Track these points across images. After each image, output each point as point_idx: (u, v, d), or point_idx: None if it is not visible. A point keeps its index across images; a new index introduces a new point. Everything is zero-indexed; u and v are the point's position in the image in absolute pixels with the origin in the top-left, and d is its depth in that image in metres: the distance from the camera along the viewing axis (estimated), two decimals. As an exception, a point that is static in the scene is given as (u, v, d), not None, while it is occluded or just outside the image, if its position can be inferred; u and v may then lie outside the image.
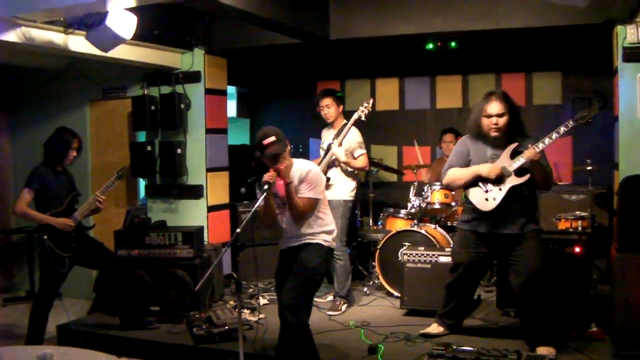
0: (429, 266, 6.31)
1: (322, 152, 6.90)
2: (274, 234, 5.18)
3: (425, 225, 7.21)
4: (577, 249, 5.64)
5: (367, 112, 6.58)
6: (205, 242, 7.21)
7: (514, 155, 4.99)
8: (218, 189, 7.75)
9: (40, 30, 5.71)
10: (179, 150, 7.48)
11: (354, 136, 6.64)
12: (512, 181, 4.98)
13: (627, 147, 6.06)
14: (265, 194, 4.59)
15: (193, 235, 6.70)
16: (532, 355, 4.72)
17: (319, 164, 6.72)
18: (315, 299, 6.43)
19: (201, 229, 7.11)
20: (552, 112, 8.40)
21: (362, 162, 6.64)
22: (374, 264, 7.29)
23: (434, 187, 7.38)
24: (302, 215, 4.75)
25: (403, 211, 7.57)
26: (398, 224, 7.45)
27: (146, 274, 6.57)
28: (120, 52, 6.26)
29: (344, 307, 6.63)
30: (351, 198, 6.73)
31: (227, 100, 8.11)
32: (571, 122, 4.85)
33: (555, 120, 8.04)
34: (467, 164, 5.23)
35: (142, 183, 8.12)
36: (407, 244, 6.70)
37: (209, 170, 7.58)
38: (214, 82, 7.66)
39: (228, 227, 7.87)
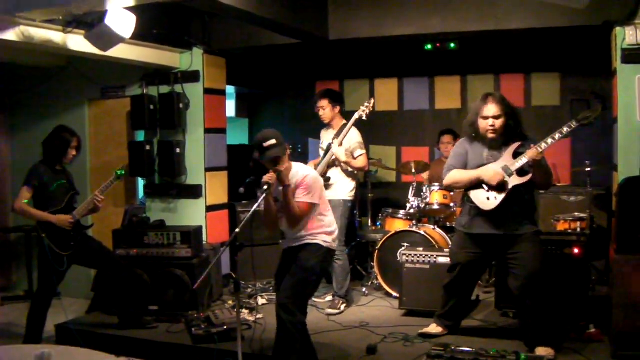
0: (427, 267, 6.31)
1: (321, 152, 6.91)
2: (273, 234, 5.20)
3: (424, 225, 7.22)
4: (576, 250, 5.64)
5: (368, 112, 6.59)
6: (204, 242, 7.21)
7: (516, 155, 4.99)
8: (217, 188, 7.74)
9: (39, 29, 5.70)
10: (177, 150, 7.47)
11: (354, 136, 6.65)
12: (514, 181, 4.98)
13: (626, 148, 6.06)
14: (264, 194, 4.61)
15: (192, 235, 6.70)
16: (530, 356, 4.72)
17: (319, 164, 6.74)
18: (314, 299, 6.48)
19: (200, 228, 7.11)
20: (550, 113, 8.40)
21: (361, 162, 6.65)
22: (372, 264, 7.30)
23: (432, 188, 7.38)
24: (297, 219, 4.78)
25: (402, 212, 7.57)
26: (397, 225, 7.45)
27: (145, 273, 6.56)
28: (119, 52, 6.25)
29: (342, 307, 6.63)
30: (351, 198, 6.74)
31: (226, 100, 8.11)
32: (574, 123, 4.85)
33: (553, 121, 8.10)
34: (466, 164, 5.24)
35: (140, 182, 8.11)
36: (405, 244, 6.71)
37: (207, 170, 7.57)
38: (213, 82, 7.65)
39: (227, 227, 7.87)
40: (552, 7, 6.14)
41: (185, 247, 6.65)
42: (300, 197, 4.76)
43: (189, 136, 7.57)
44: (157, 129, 7.63)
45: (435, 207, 7.38)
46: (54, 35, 5.86)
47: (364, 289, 7.30)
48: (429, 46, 8.16)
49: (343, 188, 6.68)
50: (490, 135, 5.06)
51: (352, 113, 6.70)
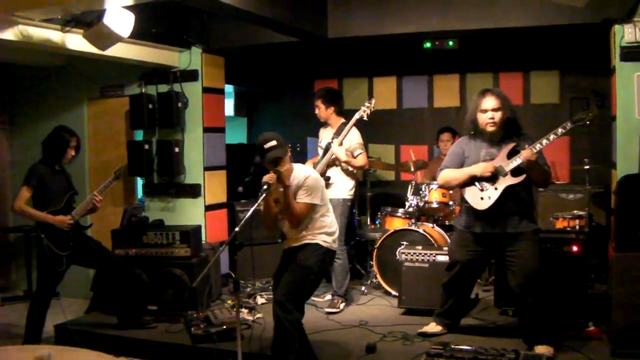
0: (426, 265, 6.31)
1: (319, 151, 6.91)
2: (271, 233, 5.21)
3: (423, 224, 7.23)
4: (575, 248, 5.64)
5: (369, 112, 6.58)
6: (203, 242, 7.20)
7: (511, 154, 4.99)
8: (216, 188, 7.74)
9: (38, 29, 5.68)
10: (176, 149, 7.46)
11: (354, 136, 6.66)
12: (508, 181, 4.98)
13: (625, 146, 6.06)
14: (264, 194, 4.62)
15: (190, 235, 6.69)
16: (530, 354, 4.71)
17: (318, 162, 6.74)
18: (313, 297, 6.48)
19: (199, 228, 7.10)
20: (549, 111, 8.40)
21: (361, 160, 6.66)
22: (371, 263, 7.30)
23: (431, 186, 7.37)
24: (298, 219, 4.80)
25: (401, 210, 7.57)
26: (396, 223, 7.45)
27: (143, 273, 6.55)
28: (117, 51, 6.25)
29: (342, 306, 6.63)
30: (350, 197, 6.75)
31: (225, 99, 8.10)
32: (569, 124, 4.85)
33: (552, 119, 8.11)
34: (462, 164, 5.24)
35: (139, 182, 8.11)
36: (404, 243, 6.72)
37: (206, 169, 7.56)
38: (212, 81, 7.65)
39: (226, 226, 7.86)
40: (551, 5, 6.15)
41: (184, 247, 6.64)
42: (302, 198, 4.79)
43: (188, 135, 7.56)
44: (156, 128, 7.62)
45: (434, 205, 7.37)
46: (52, 35, 5.85)
47: (363, 288, 7.30)
48: (428, 44, 8.15)
49: (342, 187, 6.68)
50: (490, 129, 5.06)
51: (351, 111, 6.69)
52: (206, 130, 7.54)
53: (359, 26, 7.06)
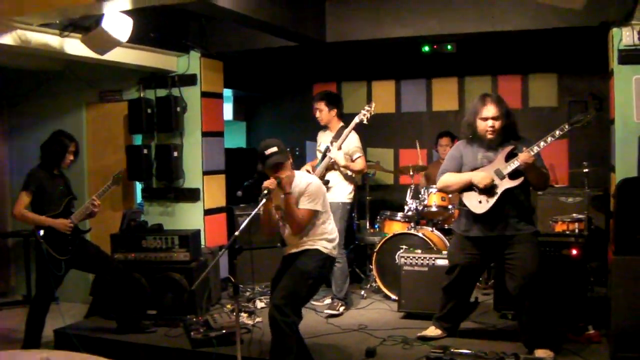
0: (426, 269, 6.30)
1: (318, 155, 6.91)
2: (271, 238, 5.21)
3: (423, 228, 7.22)
4: (574, 252, 5.65)
5: (369, 115, 6.58)
6: (202, 246, 7.20)
7: (509, 157, 5.00)
8: (215, 192, 7.73)
9: (36, 33, 5.69)
10: (175, 154, 7.46)
11: (353, 140, 6.66)
12: (506, 184, 4.98)
13: (623, 149, 6.06)
14: (264, 199, 4.63)
15: (190, 239, 6.69)
16: (529, 358, 4.73)
17: (316, 166, 6.74)
18: (312, 302, 6.48)
19: (198, 232, 7.09)
20: (548, 114, 8.41)
21: (360, 164, 6.66)
22: (371, 267, 7.29)
23: (430, 190, 7.37)
24: (300, 226, 4.82)
25: (400, 214, 7.57)
26: (395, 227, 7.45)
27: (143, 277, 6.55)
28: (116, 55, 6.25)
29: (341, 309, 6.63)
30: (349, 201, 6.75)
31: (224, 103, 8.10)
32: (567, 126, 4.85)
33: (551, 122, 8.06)
34: (461, 167, 5.24)
35: (138, 186, 8.10)
36: (404, 247, 6.70)
37: (205, 173, 7.56)
38: (210, 85, 7.65)
39: (225, 230, 7.85)
40: (549, 8, 6.15)
41: (183, 251, 6.64)
42: (304, 204, 4.80)
43: (187, 139, 7.55)
44: (155, 133, 7.62)
45: (434, 209, 7.37)
46: (50, 39, 5.85)
47: (362, 292, 7.29)
48: (426, 48, 8.16)
49: (342, 191, 6.68)
50: (489, 136, 5.06)
51: (350, 115, 6.69)
52: (205, 134, 7.54)
53: (358, 30, 7.07)
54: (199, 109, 7.50)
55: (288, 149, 5.02)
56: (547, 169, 5.14)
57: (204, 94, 7.54)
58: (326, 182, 6.57)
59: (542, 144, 4.86)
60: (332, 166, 6.66)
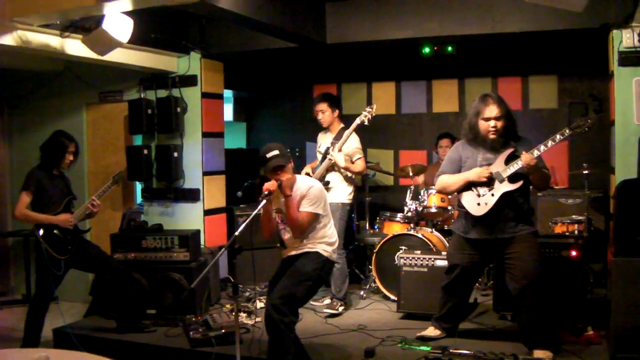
0: (425, 270, 6.31)
1: (318, 156, 6.92)
2: (269, 239, 5.22)
3: (422, 229, 7.23)
4: (574, 253, 5.64)
5: (370, 117, 6.59)
6: (202, 246, 7.20)
7: (509, 160, 4.99)
8: (215, 192, 7.74)
9: (37, 34, 5.70)
10: (175, 154, 7.47)
11: (353, 142, 6.66)
12: (505, 187, 4.98)
13: (623, 151, 6.07)
14: (264, 201, 4.63)
15: (189, 239, 6.69)
16: (528, 359, 4.73)
17: (316, 167, 6.75)
18: (312, 302, 6.48)
19: (198, 232, 7.10)
20: (548, 116, 8.42)
21: (360, 166, 6.67)
22: (370, 267, 7.30)
23: (430, 191, 7.38)
24: (301, 229, 4.83)
25: (400, 215, 7.57)
26: (394, 228, 7.45)
27: (142, 277, 6.55)
28: (116, 56, 6.26)
29: (340, 309, 6.63)
30: (349, 201, 6.76)
31: (224, 104, 8.11)
32: (567, 131, 4.83)
33: (551, 124, 8.14)
34: (459, 169, 5.24)
35: (138, 187, 8.11)
36: (403, 247, 6.71)
37: (205, 174, 7.57)
38: (211, 86, 7.66)
39: (225, 230, 7.86)
40: (550, 10, 6.15)
41: (183, 251, 6.65)
42: (305, 207, 4.81)
43: (187, 140, 7.57)
44: (155, 133, 7.64)
45: (433, 210, 7.38)
46: (51, 40, 5.86)
47: (361, 292, 7.29)
48: (427, 50, 8.16)
49: (341, 192, 6.69)
50: (492, 137, 5.05)
51: (350, 116, 6.70)
52: (205, 135, 7.55)
53: (358, 32, 7.08)
54: (199, 109, 7.52)
55: (288, 150, 5.02)
56: (548, 169, 5.14)
57: (205, 95, 7.55)
58: (326, 183, 6.58)
59: (542, 147, 4.85)
60: (333, 167, 6.67)
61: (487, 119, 5.02)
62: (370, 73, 9.33)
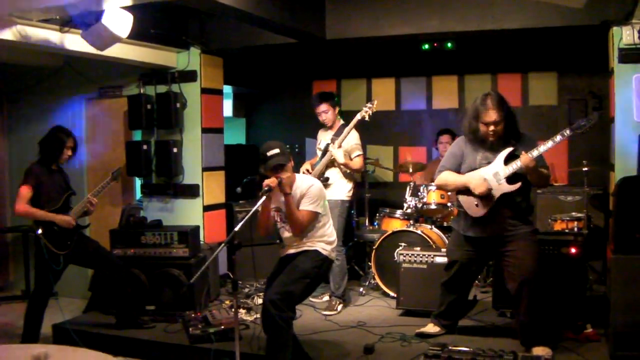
0: (425, 266, 6.31)
1: (318, 152, 6.92)
2: (267, 236, 5.22)
3: (422, 225, 7.22)
4: (573, 250, 5.64)
5: (370, 112, 6.58)
6: (201, 242, 7.21)
7: (509, 160, 4.97)
8: (214, 188, 7.74)
9: (36, 29, 5.69)
10: (174, 150, 7.47)
11: (353, 138, 6.67)
12: (503, 189, 4.97)
13: (623, 148, 6.08)
14: (264, 197, 4.64)
15: (189, 235, 6.69)
16: (527, 356, 4.72)
17: (316, 163, 6.75)
18: (311, 299, 6.49)
19: (197, 228, 7.10)
20: (547, 112, 8.40)
21: (358, 163, 6.67)
22: (370, 264, 7.30)
23: (430, 188, 7.37)
24: (301, 227, 4.84)
25: (399, 211, 7.57)
26: (394, 225, 7.45)
27: (142, 273, 6.56)
28: (116, 51, 6.25)
29: (339, 307, 6.63)
30: (348, 198, 6.76)
31: (223, 99, 8.11)
32: (568, 131, 4.80)
33: (550, 121, 8.13)
34: (460, 164, 5.24)
35: (138, 182, 8.11)
36: (403, 244, 6.72)
37: (205, 169, 7.57)
38: (210, 82, 7.65)
39: (224, 226, 7.87)
40: (550, 7, 6.16)
41: (183, 247, 6.65)
42: (305, 206, 4.83)
43: (186, 136, 7.56)
44: (154, 129, 7.63)
45: (433, 206, 7.37)
46: (50, 35, 5.85)
47: (361, 289, 7.30)
48: (426, 46, 8.15)
49: (341, 188, 6.69)
50: (491, 139, 5.03)
51: (350, 113, 6.69)
52: (205, 130, 7.55)
53: (357, 27, 7.08)
54: (198, 105, 7.51)
55: (288, 147, 5.02)
56: (548, 168, 5.12)
57: (204, 91, 7.55)
58: (326, 179, 6.59)
59: (542, 148, 4.82)
60: (332, 163, 6.67)
61: (486, 124, 4.99)
62: (370, 69, 9.31)
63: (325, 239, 4.98)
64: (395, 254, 6.56)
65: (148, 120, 7.48)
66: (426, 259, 6.32)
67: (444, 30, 6.86)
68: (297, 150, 9.04)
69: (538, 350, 4.89)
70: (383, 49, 8.75)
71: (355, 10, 7.04)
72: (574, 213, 6.89)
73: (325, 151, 6.71)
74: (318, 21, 7.06)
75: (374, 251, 7.10)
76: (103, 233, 6.93)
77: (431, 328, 5.63)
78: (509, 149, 4.99)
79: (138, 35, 6.30)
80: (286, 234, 5.01)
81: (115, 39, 5.69)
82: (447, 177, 5.27)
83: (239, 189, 6.82)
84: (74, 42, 5.99)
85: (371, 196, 8.22)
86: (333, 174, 6.68)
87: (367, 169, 8.07)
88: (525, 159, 4.81)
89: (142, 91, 7.60)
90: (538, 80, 8.53)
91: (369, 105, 6.61)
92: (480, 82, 8.68)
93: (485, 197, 5.02)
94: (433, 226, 7.28)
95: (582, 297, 5.65)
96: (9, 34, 5.47)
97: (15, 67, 7.96)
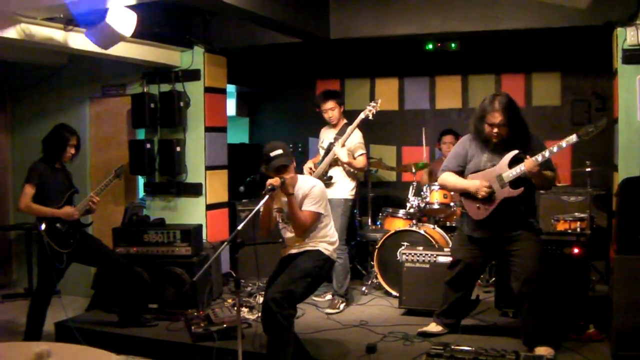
0: (427, 266, 6.31)
1: (321, 151, 6.91)
2: (268, 236, 5.22)
3: (424, 225, 7.22)
4: (576, 250, 5.63)
5: (374, 111, 6.58)
6: (204, 241, 7.21)
7: (513, 162, 4.95)
8: (217, 187, 7.75)
9: (40, 27, 5.70)
10: (178, 149, 7.48)
11: (356, 137, 6.66)
12: (506, 193, 4.96)
13: (626, 148, 6.08)
14: (268, 195, 4.64)
15: (191, 233, 6.70)
16: (530, 356, 4.72)
17: (319, 162, 6.74)
18: (313, 297, 6.49)
19: (200, 227, 7.11)
20: (551, 113, 8.39)
21: (362, 162, 6.67)
22: (372, 263, 7.30)
23: (433, 187, 7.36)
24: (304, 228, 4.85)
25: (402, 211, 7.57)
26: (397, 224, 7.45)
27: (144, 271, 6.57)
28: (119, 50, 6.27)
29: (342, 306, 6.63)
30: (351, 197, 6.76)
31: (227, 98, 8.11)
32: (574, 138, 4.75)
33: (554, 122, 8.12)
34: (464, 164, 5.23)
35: (141, 181, 8.12)
36: (405, 243, 6.71)
37: (208, 168, 7.58)
38: (214, 81, 7.66)
39: (227, 225, 7.88)
40: (553, 7, 6.15)
41: (185, 246, 6.66)
42: (308, 206, 4.84)
43: (190, 135, 7.57)
44: (158, 128, 7.65)
45: (436, 206, 7.36)
46: (54, 33, 5.86)
47: (363, 288, 7.30)
48: (430, 46, 8.14)
49: (344, 187, 6.69)
50: (495, 140, 5.03)
51: (353, 112, 6.68)
52: (208, 129, 7.56)
53: (361, 27, 7.08)
54: (202, 104, 7.52)
55: (291, 146, 5.03)
56: (555, 170, 5.10)
57: (207, 90, 7.55)
58: (329, 178, 6.59)
59: (547, 153, 4.77)
60: (336, 162, 6.66)
61: (491, 125, 4.98)
62: (374, 69, 9.30)
63: (327, 240, 4.99)
64: (397, 253, 6.56)
65: (151, 119, 7.49)
66: (429, 259, 6.31)
67: (448, 30, 6.87)
68: (300, 149, 9.05)
69: (540, 350, 4.89)
70: (387, 49, 8.74)
71: (359, 10, 7.04)
72: (576, 213, 6.87)
73: (328, 150, 6.71)
74: (322, 21, 7.06)
75: (376, 250, 7.10)
76: (106, 231, 6.95)
77: (433, 327, 5.63)
78: (514, 152, 4.97)
79: (142, 34, 6.31)
80: (288, 234, 5.02)
81: (119, 38, 5.71)
82: (448, 179, 5.28)
83: (241, 188, 6.83)
84: (78, 40, 6.01)
85: (374, 195, 8.22)
86: (336, 172, 6.68)
87: (370, 169, 8.06)
88: (529, 164, 4.80)
89: (145, 90, 7.60)
90: (542, 80, 8.52)
91: (372, 104, 6.61)
92: (483, 82, 8.68)
93: (488, 201, 5.02)
94: (436, 226, 7.27)
95: (584, 297, 5.64)
96: (13, 32, 5.48)
97: (18, 66, 7.97)
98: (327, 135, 6.88)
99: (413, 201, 7.46)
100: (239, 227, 4.43)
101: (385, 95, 9.09)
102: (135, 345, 5.82)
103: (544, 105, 8.47)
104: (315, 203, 4.84)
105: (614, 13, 6.02)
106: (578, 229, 6.60)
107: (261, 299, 6.71)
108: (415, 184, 7.62)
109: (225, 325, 5.67)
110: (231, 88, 9.18)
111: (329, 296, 6.89)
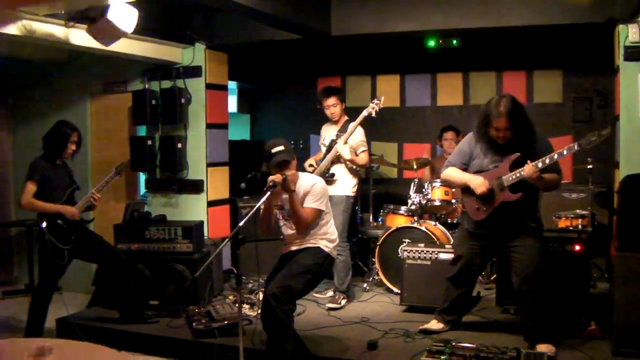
0: (428, 263, 6.31)
1: (322, 148, 6.91)
2: (268, 233, 5.22)
3: (426, 222, 7.23)
4: (577, 247, 5.64)
5: (377, 109, 6.58)
6: (205, 237, 7.21)
7: (515, 165, 4.94)
8: (218, 184, 7.75)
9: (42, 23, 5.69)
10: (179, 145, 7.48)
11: (358, 135, 6.67)
12: (504, 196, 4.96)
13: (628, 146, 6.07)
14: (270, 191, 4.63)
15: (193, 230, 6.70)
16: (531, 353, 4.72)
17: (321, 159, 6.74)
18: (314, 294, 6.49)
19: (201, 223, 7.10)
20: (552, 110, 8.37)
21: (364, 159, 6.67)
22: (374, 260, 7.30)
23: (434, 184, 7.36)
24: (305, 224, 4.86)
25: (403, 208, 7.57)
26: (398, 221, 7.45)
27: (145, 268, 6.57)
28: (121, 46, 6.26)
29: (343, 302, 6.64)
30: (353, 194, 6.76)
31: (228, 95, 8.11)
32: (576, 147, 4.72)
33: (555, 119, 8.11)
34: (469, 162, 5.23)
35: (142, 177, 8.12)
36: (407, 240, 6.71)
37: (209, 165, 7.58)
38: (215, 77, 7.66)
39: (228, 222, 7.88)
40: (555, 4, 6.15)
41: (186, 242, 6.66)
42: (309, 203, 4.84)
43: (191, 131, 7.57)
44: (159, 124, 7.64)
45: (437, 203, 7.36)
46: (56, 30, 5.86)
47: (364, 285, 7.30)
48: (432, 43, 8.13)
49: (346, 184, 6.69)
50: (500, 142, 5.01)
51: (354, 109, 6.68)
52: (209, 126, 7.56)
53: (362, 24, 7.07)
54: (203, 100, 7.52)
55: (292, 142, 5.03)
56: (560, 172, 5.05)
57: (209, 86, 7.55)
58: (332, 175, 6.59)
59: (547, 160, 4.76)
60: (338, 159, 6.66)
61: (496, 129, 4.95)
62: (375, 66, 9.29)
63: (328, 237, 5.00)
64: (399, 250, 6.56)
65: (152, 115, 7.49)
66: (430, 256, 6.31)
67: (449, 27, 6.86)
68: (301, 146, 9.04)
69: (542, 347, 4.89)
70: (388, 46, 8.74)
71: (360, 7, 7.03)
72: (578, 210, 6.88)
73: (330, 147, 6.71)
74: (323, 17, 7.06)
75: (377, 247, 7.10)
76: (107, 228, 6.94)
77: (435, 324, 5.64)
78: (516, 155, 4.94)
79: (143, 30, 6.31)
80: (289, 231, 5.02)
81: (120, 34, 5.71)
82: (452, 174, 5.29)
83: (243, 185, 6.83)
84: (79, 37, 6.00)
85: (375, 192, 8.22)
86: (338, 169, 6.69)
87: (372, 165, 8.06)
88: (529, 170, 4.79)
89: (146, 86, 7.60)
90: (543, 77, 8.50)
91: (375, 101, 6.61)
92: (485, 79, 8.67)
93: (487, 202, 5.02)
94: (437, 223, 7.28)
95: (585, 294, 5.65)
96: (14, 29, 5.48)
97: (20, 62, 7.97)
98: (328, 133, 6.88)
99: (414, 198, 7.47)
100: (241, 224, 4.43)
101: (387, 92, 9.07)
102: (136, 341, 5.83)
103: (546, 103, 8.45)
104: (317, 200, 4.84)
105: (616, 10, 6.01)
106: (579, 226, 6.61)
107: (262, 296, 6.74)
108: (416, 180, 7.62)
109: (226, 322, 5.68)
110: (232, 85, 9.18)
111: (330, 292, 6.90)
